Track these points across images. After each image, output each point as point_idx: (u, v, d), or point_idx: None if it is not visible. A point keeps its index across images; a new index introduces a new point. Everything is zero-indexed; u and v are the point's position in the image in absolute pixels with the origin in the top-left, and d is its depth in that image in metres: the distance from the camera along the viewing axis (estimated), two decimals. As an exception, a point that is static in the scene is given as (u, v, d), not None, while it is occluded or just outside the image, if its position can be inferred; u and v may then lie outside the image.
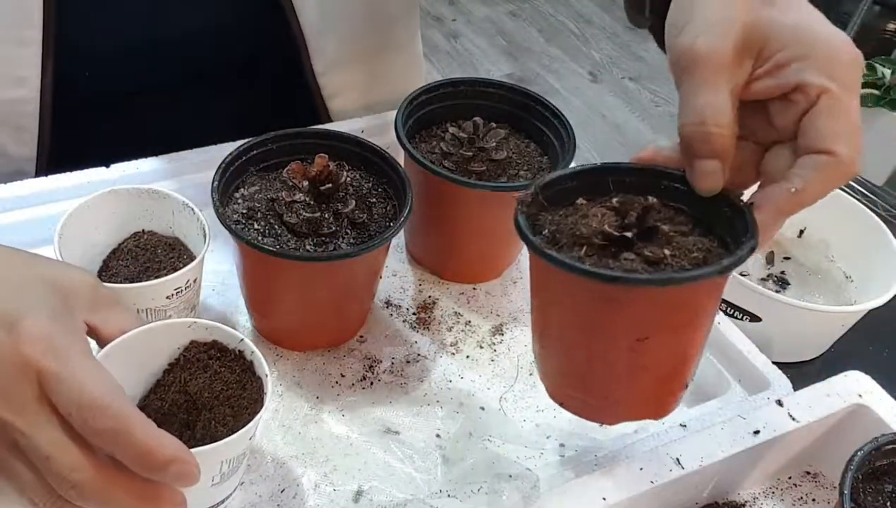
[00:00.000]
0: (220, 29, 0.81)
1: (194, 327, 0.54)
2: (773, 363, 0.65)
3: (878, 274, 0.79)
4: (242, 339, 0.53)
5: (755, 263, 0.84)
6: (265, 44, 0.84)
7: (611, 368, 0.49)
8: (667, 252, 0.45)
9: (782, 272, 0.83)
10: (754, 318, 0.73)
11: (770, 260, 0.84)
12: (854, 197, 0.85)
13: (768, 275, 0.83)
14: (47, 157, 0.76)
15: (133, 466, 0.41)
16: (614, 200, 0.48)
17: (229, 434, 0.48)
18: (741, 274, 0.76)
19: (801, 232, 0.86)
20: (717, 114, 0.45)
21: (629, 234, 0.46)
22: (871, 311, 0.74)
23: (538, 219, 0.49)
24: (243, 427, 0.49)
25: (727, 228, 0.47)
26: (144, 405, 0.52)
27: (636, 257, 0.45)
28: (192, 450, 0.45)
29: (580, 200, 0.50)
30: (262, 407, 0.50)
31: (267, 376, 0.52)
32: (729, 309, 0.74)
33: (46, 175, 0.72)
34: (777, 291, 0.80)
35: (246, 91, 0.88)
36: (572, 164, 0.70)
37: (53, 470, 0.41)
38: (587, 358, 0.49)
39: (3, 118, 0.73)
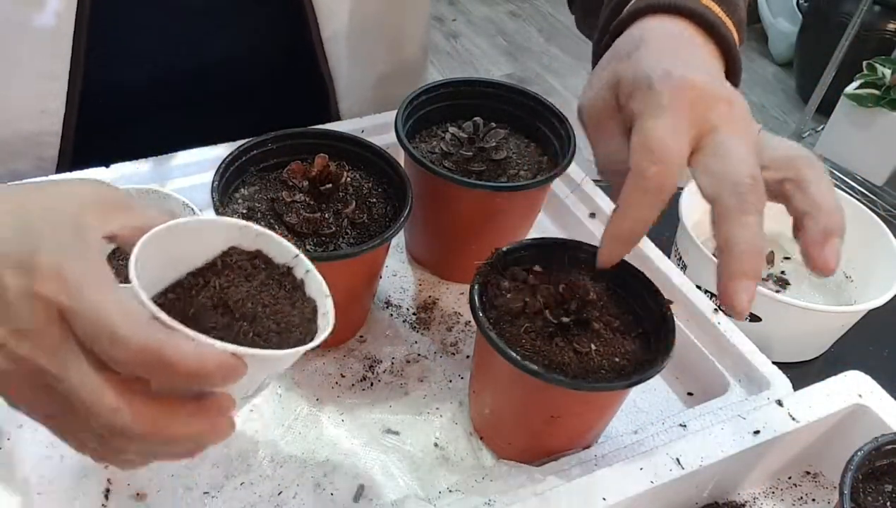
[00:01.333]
0: (247, 56, 0.82)
1: (245, 229, 0.48)
2: (774, 363, 0.65)
3: (878, 274, 0.79)
4: (298, 255, 0.48)
5: None
6: (290, 69, 0.85)
7: (526, 429, 0.58)
8: (593, 346, 0.54)
9: (782, 272, 0.83)
10: (754, 318, 0.73)
11: (770, 260, 0.84)
12: (854, 196, 0.85)
13: (768, 276, 0.83)
14: (72, 159, 0.76)
15: (175, 390, 0.39)
16: (561, 286, 0.56)
17: (281, 346, 0.43)
18: None
19: None
20: (610, 163, 0.52)
21: (566, 320, 0.54)
22: (871, 311, 0.74)
23: (499, 285, 0.58)
24: (293, 345, 0.43)
25: (655, 326, 0.57)
26: (162, 303, 0.44)
27: (566, 345, 0.54)
28: (242, 350, 0.40)
29: (536, 267, 0.59)
30: (317, 329, 0.45)
31: (327, 296, 0.47)
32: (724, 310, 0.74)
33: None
34: (777, 291, 0.80)
35: (269, 113, 0.88)
36: (572, 165, 0.70)
37: (94, 414, 0.39)
38: (509, 419, 0.59)
39: (26, 148, 0.73)
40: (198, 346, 0.39)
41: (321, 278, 0.47)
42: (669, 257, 0.77)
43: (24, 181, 0.57)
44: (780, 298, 0.72)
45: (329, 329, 0.46)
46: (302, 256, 0.48)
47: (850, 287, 0.82)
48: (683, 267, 0.78)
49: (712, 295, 0.75)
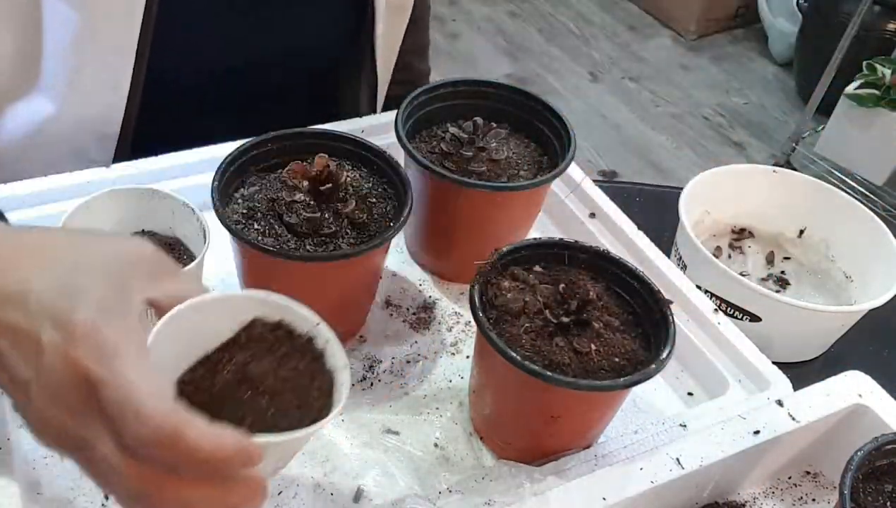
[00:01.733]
0: (311, 47, 0.83)
1: (267, 302, 0.48)
2: (774, 363, 0.65)
3: (878, 274, 0.79)
4: (319, 324, 0.48)
5: (755, 263, 0.84)
6: (346, 62, 0.87)
7: (526, 429, 0.58)
8: (593, 347, 0.54)
9: (782, 272, 0.83)
10: (754, 318, 0.73)
11: (770, 260, 0.84)
12: (854, 196, 0.85)
13: (768, 275, 0.83)
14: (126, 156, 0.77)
15: (195, 473, 0.39)
16: (561, 286, 0.57)
17: (292, 428, 0.43)
18: (741, 274, 0.76)
19: (801, 231, 0.86)
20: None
21: (567, 320, 0.55)
22: (870, 311, 0.74)
23: (499, 285, 0.58)
24: (310, 423, 0.44)
25: (654, 326, 0.57)
26: (190, 380, 0.45)
27: (566, 344, 0.54)
28: (257, 439, 0.40)
29: (537, 267, 0.59)
30: (333, 402, 0.46)
31: (346, 366, 0.47)
32: (729, 309, 0.74)
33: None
34: (777, 291, 0.80)
35: (322, 105, 0.90)
36: (571, 165, 0.71)
37: (114, 488, 0.39)
38: (509, 419, 0.59)
39: (93, 125, 0.74)
40: (216, 431, 0.38)
41: (341, 347, 0.48)
42: (669, 257, 0.77)
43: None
44: (781, 298, 0.72)
45: (342, 401, 0.46)
46: (323, 325, 0.48)
47: (851, 287, 0.82)
48: (683, 267, 0.78)
49: (712, 295, 0.75)
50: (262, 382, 0.45)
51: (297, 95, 0.86)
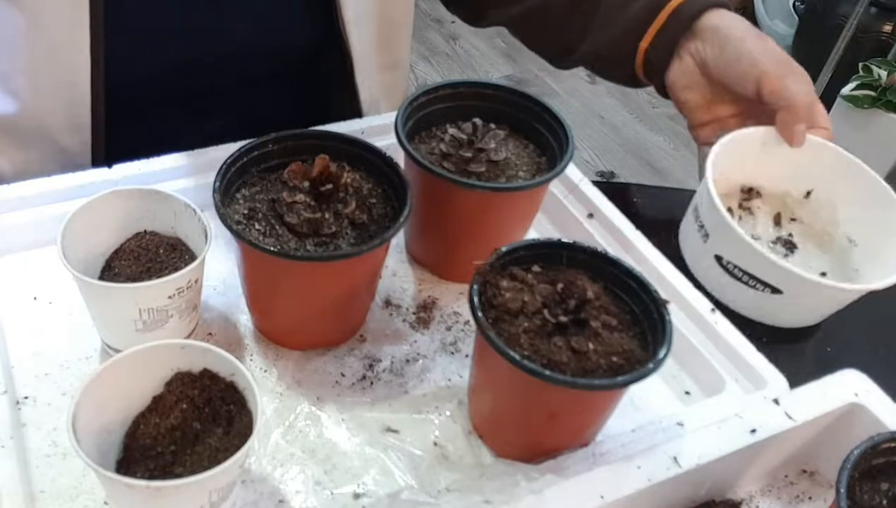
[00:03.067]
0: (277, 39, 0.84)
1: (187, 349, 0.54)
2: (772, 327, 0.64)
3: (882, 239, 0.77)
4: (234, 374, 0.54)
5: (765, 225, 0.82)
6: (316, 51, 0.87)
7: (525, 428, 0.59)
8: (591, 346, 0.55)
9: (790, 235, 0.80)
10: (776, 291, 0.71)
11: (777, 221, 0.81)
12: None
13: (777, 239, 0.80)
14: (104, 151, 0.77)
15: None
16: (559, 286, 0.57)
17: (216, 465, 0.48)
18: (753, 237, 0.73)
19: (808, 193, 0.83)
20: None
21: (565, 319, 0.55)
22: (870, 311, 0.73)
23: (498, 285, 0.58)
24: (230, 457, 0.49)
25: (651, 326, 0.57)
26: (135, 433, 0.54)
27: (564, 344, 0.55)
28: (180, 481, 0.46)
29: (535, 267, 0.60)
30: (249, 439, 0.50)
31: (259, 409, 0.52)
32: (751, 280, 0.72)
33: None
34: (785, 255, 0.78)
35: (296, 95, 0.90)
36: (570, 166, 0.71)
37: None
38: (508, 418, 0.59)
39: (59, 117, 0.74)
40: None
41: (256, 391, 0.52)
42: (681, 226, 0.75)
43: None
44: (808, 276, 0.69)
45: (252, 440, 0.50)
46: (241, 370, 0.53)
47: (854, 251, 0.79)
48: (705, 236, 0.75)
49: (734, 265, 0.73)
50: (187, 430, 0.53)
51: (264, 83, 0.87)
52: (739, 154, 0.79)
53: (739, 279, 0.68)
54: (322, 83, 0.91)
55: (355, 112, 0.89)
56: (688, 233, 0.80)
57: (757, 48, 0.77)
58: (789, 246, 0.80)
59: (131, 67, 0.74)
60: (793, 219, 0.83)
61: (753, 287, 0.72)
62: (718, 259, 0.71)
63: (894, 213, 0.77)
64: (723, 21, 0.79)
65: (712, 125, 0.83)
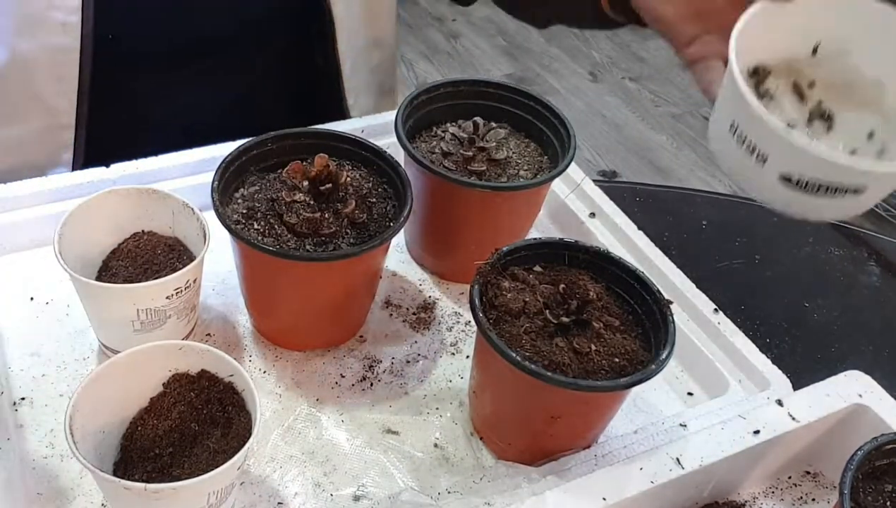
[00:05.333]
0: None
1: (185, 350, 0.54)
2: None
3: None
4: (233, 375, 0.54)
5: (793, 105, 0.69)
6: (300, 18, 0.87)
7: (526, 429, 0.58)
8: (593, 347, 0.54)
9: (819, 102, 0.73)
10: (857, 191, 0.62)
11: (799, 93, 0.74)
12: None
13: (811, 114, 0.71)
14: (87, 115, 0.77)
15: None
16: (561, 286, 0.57)
17: (214, 467, 0.48)
18: (789, 125, 0.65)
19: (815, 48, 0.72)
20: None
21: (567, 320, 0.55)
22: (874, 312, 0.72)
23: (499, 285, 0.57)
24: (229, 459, 0.49)
25: (654, 326, 0.57)
26: (132, 434, 0.53)
27: (566, 345, 0.54)
28: (178, 484, 0.46)
29: (537, 267, 0.59)
30: (247, 441, 0.50)
31: (258, 411, 0.51)
32: (830, 190, 0.63)
33: (86, 131, 0.74)
34: (828, 129, 0.67)
35: (281, 62, 0.90)
36: (572, 165, 0.70)
37: None
38: (509, 419, 0.59)
39: (46, 66, 0.74)
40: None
41: (255, 393, 0.52)
42: (716, 151, 0.68)
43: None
44: (887, 168, 0.61)
45: (251, 442, 0.50)
46: (239, 371, 0.53)
47: (890, 93, 0.69)
48: (761, 159, 0.64)
49: (805, 181, 0.62)
50: (186, 431, 0.53)
51: (247, 43, 0.86)
52: (744, 40, 0.66)
53: (816, 192, 0.62)
54: (305, 51, 0.90)
55: (336, 84, 0.88)
56: (730, 157, 0.68)
57: None
58: (826, 117, 0.71)
59: (119, 10, 0.74)
60: (810, 85, 0.72)
61: (833, 194, 0.63)
62: (786, 179, 0.65)
63: None
64: None
65: (702, 38, 0.71)
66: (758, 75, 0.72)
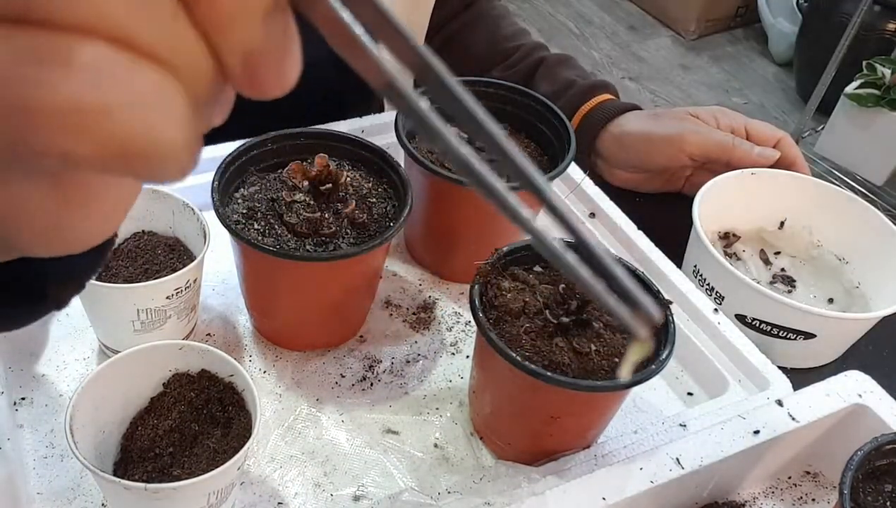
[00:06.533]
0: None
1: (186, 350, 0.54)
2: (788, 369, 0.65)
3: (870, 249, 0.78)
4: (233, 375, 0.54)
5: (757, 267, 0.82)
6: None
7: (526, 429, 0.58)
8: (593, 347, 0.54)
9: (782, 269, 0.82)
10: (808, 336, 0.71)
11: (765, 260, 0.83)
12: (835, 184, 0.85)
13: (774, 277, 0.80)
14: None
15: None
16: (561, 286, 0.57)
17: (215, 467, 0.48)
18: (755, 281, 0.73)
19: (782, 223, 0.84)
20: None
21: (567, 320, 0.55)
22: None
23: (499, 285, 0.58)
24: (229, 459, 0.49)
25: (654, 328, 0.54)
26: (132, 434, 0.54)
27: (566, 345, 0.54)
28: (178, 484, 0.46)
29: (537, 267, 0.60)
30: (247, 441, 0.50)
31: (258, 411, 0.51)
32: (781, 332, 0.71)
33: None
34: (788, 292, 0.79)
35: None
36: (571, 165, 0.70)
37: None
38: (509, 419, 0.59)
39: None
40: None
41: (255, 393, 0.52)
42: (691, 273, 0.75)
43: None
44: (833, 314, 0.69)
45: (251, 442, 0.50)
46: (239, 371, 0.53)
47: (847, 269, 0.80)
48: (718, 299, 0.73)
49: (761, 321, 0.71)
50: (186, 431, 0.53)
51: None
52: (712, 202, 0.79)
53: (768, 333, 0.68)
54: None
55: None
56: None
57: (660, 129, 0.87)
58: (788, 281, 0.80)
59: None
60: (777, 253, 0.83)
61: (784, 338, 0.72)
62: (741, 318, 0.71)
63: (875, 220, 0.78)
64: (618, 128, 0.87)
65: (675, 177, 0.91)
66: (728, 238, 0.84)
